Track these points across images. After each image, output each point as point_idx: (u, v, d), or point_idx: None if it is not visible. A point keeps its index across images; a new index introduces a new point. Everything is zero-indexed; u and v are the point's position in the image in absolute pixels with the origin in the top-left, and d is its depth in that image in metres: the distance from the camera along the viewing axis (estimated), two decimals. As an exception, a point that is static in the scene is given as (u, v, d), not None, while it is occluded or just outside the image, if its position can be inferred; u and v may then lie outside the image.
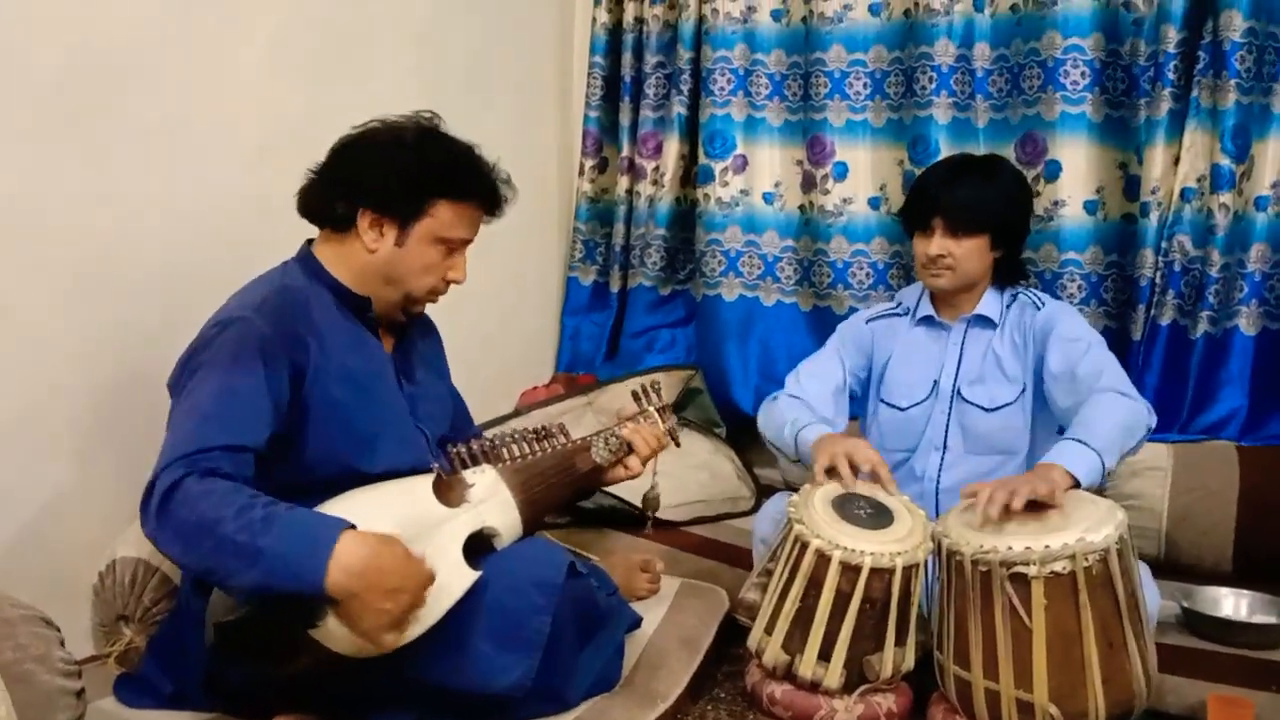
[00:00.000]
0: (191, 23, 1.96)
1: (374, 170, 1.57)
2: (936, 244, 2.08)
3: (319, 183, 1.61)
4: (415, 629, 1.38)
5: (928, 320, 2.21)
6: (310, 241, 1.67)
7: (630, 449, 1.82)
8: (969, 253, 2.08)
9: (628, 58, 3.16)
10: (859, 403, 2.28)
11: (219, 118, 2.01)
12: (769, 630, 1.83)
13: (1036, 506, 1.69)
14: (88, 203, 1.80)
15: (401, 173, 1.56)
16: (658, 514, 2.54)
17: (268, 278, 1.62)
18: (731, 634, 2.01)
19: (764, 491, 2.78)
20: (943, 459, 2.13)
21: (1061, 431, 1.92)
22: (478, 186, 1.63)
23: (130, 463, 1.83)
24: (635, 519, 2.50)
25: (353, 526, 1.34)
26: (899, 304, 2.29)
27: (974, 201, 2.07)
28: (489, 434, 1.74)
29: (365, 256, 1.60)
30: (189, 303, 1.84)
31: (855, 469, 1.91)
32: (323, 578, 1.28)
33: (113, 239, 1.84)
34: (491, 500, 1.58)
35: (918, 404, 2.16)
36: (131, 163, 1.87)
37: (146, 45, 1.88)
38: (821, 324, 2.92)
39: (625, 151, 3.18)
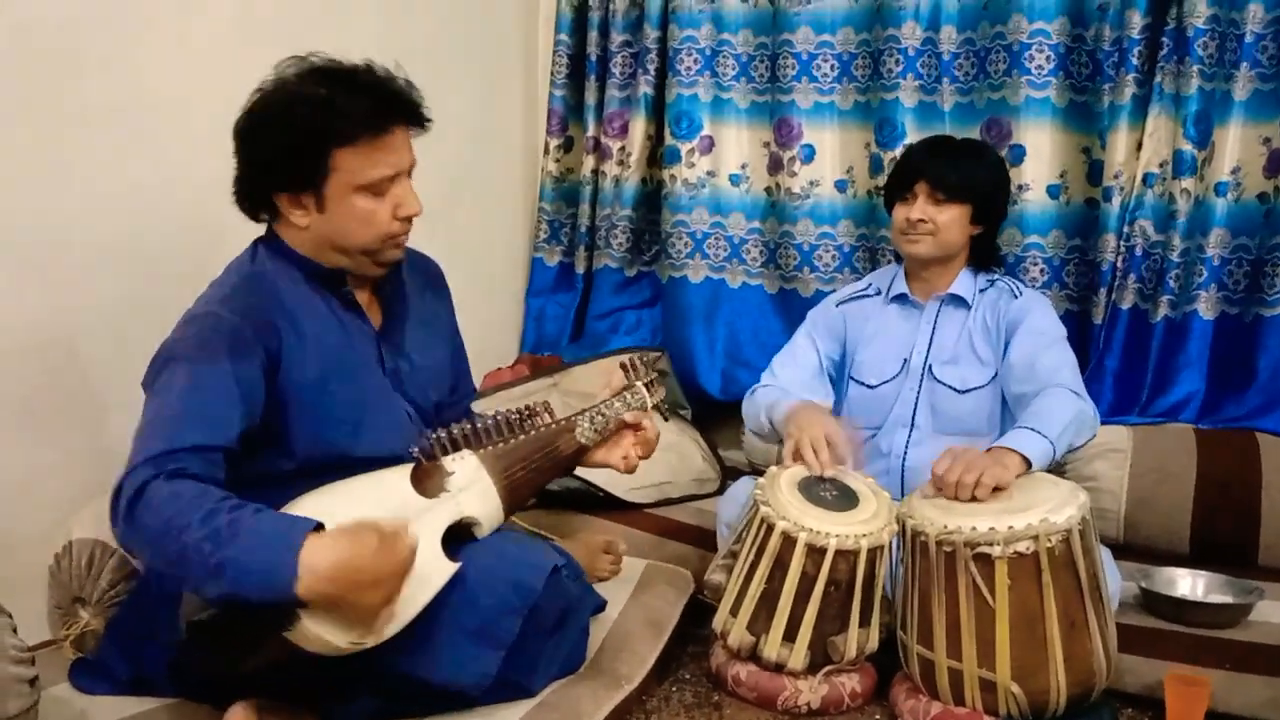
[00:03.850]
0: (147, -3, 1.92)
1: (261, 153, 1.50)
2: (918, 209, 2.10)
3: (238, 177, 1.56)
4: (391, 627, 1.35)
5: (900, 299, 2.22)
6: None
7: (618, 428, 1.76)
8: (950, 221, 2.10)
9: (593, 36, 3.12)
10: (835, 386, 2.28)
11: (176, 96, 1.96)
12: (734, 612, 1.83)
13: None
14: (40, 185, 1.75)
15: (284, 145, 1.46)
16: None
17: (237, 264, 1.58)
18: (696, 615, 2.01)
19: (729, 474, 2.79)
20: (910, 436, 2.15)
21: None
22: (365, 117, 1.46)
23: (84, 445, 1.80)
24: (600, 501, 2.50)
25: (320, 526, 1.31)
26: (869, 285, 2.30)
27: (959, 170, 2.10)
28: (475, 409, 1.70)
29: (306, 233, 1.54)
30: (145, 286, 1.80)
31: (830, 447, 1.91)
32: (293, 585, 1.24)
33: (66, 222, 1.80)
34: (472, 488, 1.55)
35: (887, 381, 2.18)
36: (85, 144, 1.82)
37: (99, 20, 1.83)
38: (787, 306, 2.93)
39: (591, 131, 3.16)
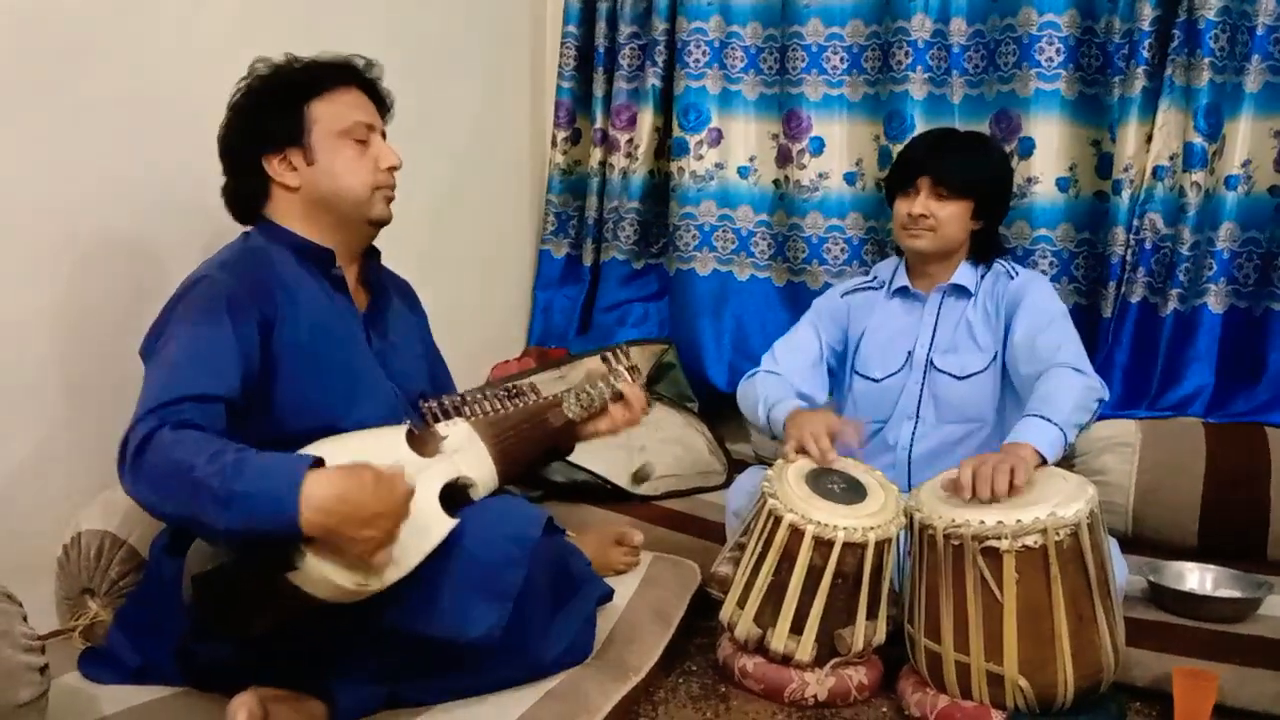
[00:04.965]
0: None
1: (246, 127, 1.62)
2: (920, 203, 2.09)
3: (227, 183, 1.67)
4: (393, 573, 1.37)
5: (902, 291, 2.21)
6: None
7: (603, 408, 1.81)
8: (951, 216, 2.09)
9: (601, 27, 3.12)
10: (835, 378, 2.28)
11: (184, 89, 1.96)
12: (741, 604, 1.83)
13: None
14: (46, 177, 1.75)
15: (266, 108, 1.62)
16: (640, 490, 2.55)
17: (231, 245, 1.64)
18: (703, 607, 2.01)
19: (736, 466, 2.79)
20: (915, 428, 2.14)
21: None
22: (328, 71, 1.66)
23: (93, 435, 1.80)
24: (609, 493, 2.50)
25: (321, 462, 1.33)
26: (874, 278, 2.30)
27: (961, 166, 2.10)
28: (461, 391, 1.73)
29: (297, 197, 1.62)
30: (152, 278, 1.80)
31: (832, 439, 1.91)
32: (296, 516, 1.27)
33: (73, 215, 1.80)
34: (466, 451, 1.58)
35: (892, 375, 2.17)
36: (93, 137, 1.82)
37: (107, 14, 1.83)
38: (795, 299, 2.92)
39: (598, 123, 3.15)
